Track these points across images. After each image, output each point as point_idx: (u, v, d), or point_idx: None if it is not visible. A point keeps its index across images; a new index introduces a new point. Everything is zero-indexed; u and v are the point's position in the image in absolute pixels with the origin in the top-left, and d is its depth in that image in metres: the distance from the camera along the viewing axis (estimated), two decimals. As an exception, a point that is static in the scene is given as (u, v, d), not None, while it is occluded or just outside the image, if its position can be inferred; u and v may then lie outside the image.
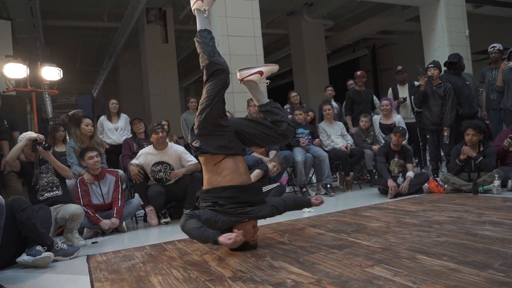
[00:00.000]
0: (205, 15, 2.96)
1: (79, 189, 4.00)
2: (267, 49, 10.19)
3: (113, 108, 5.62)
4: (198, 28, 2.96)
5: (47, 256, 2.90)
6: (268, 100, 3.00)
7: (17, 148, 3.67)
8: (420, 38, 9.04)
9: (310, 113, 6.03)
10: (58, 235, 3.81)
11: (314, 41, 12.42)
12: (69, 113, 6.64)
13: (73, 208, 3.55)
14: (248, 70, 3.03)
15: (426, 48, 8.65)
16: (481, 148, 4.70)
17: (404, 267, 2.16)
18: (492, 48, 5.99)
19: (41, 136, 3.73)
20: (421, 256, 2.33)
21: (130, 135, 5.26)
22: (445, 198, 4.45)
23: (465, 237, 2.69)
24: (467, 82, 5.85)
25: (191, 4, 3.02)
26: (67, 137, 5.08)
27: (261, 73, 3.01)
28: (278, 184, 4.81)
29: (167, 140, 4.66)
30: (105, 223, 3.90)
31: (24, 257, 2.90)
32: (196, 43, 2.89)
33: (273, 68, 3.06)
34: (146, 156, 4.42)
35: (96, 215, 3.92)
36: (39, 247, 2.93)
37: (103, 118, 5.70)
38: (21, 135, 3.86)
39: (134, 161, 4.42)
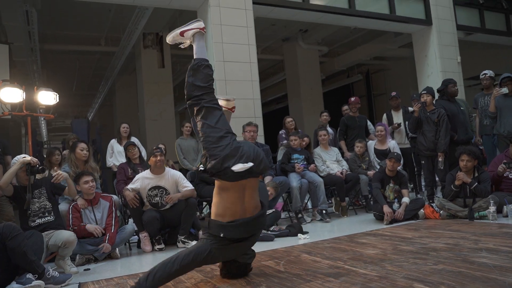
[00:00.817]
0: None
1: (71, 215, 3.95)
2: (263, 74, 10.33)
3: (123, 132, 5.93)
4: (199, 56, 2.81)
5: (38, 284, 2.84)
6: (203, 57, 2.79)
7: (10, 172, 3.63)
8: (413, 64, 9.19)
9: (306, 138, 6.06)
10: (50, 261, 3.74)
11: (309, 66, 12.58)
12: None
13: (66, 235, 3.50)
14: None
15: (419, 74, 8.79)
16: (476, 174, 4.72)
17: (402, 297, 2.13)
18: (484, 75, 6.08)
19: (35, 160, 3.69)
20: (418, 285, 2.30)
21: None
22: (441, 224, 4.43)
23: (462, 264, 2.67)
24: (461, 108, 5.90)
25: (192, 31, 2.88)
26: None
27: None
28: (274, 210, 4.78)
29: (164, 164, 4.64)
30: (90, 226, 3.93)
31: (13, 285, 2.84)
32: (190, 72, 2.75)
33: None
34: (143, 180, 4.39)
35: (82, 224, 3.93)
36: (29, 275, 2.86)
37: (113, 141, 6.02)
38: (14, 158, 3.82)
39: (130, 185, 4.39)
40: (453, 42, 8.68)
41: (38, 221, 3.66)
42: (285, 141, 6.16)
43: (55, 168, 4.78)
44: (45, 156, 5.44)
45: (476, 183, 4.60)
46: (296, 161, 5.57)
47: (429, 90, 5.73)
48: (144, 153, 5.67)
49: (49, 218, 3.72)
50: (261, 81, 6.96)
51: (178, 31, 2.89)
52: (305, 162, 5.63)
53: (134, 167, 4.92)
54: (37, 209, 3.70)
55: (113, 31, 10.13)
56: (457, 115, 5.72)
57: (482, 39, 10.01)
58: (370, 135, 6.74)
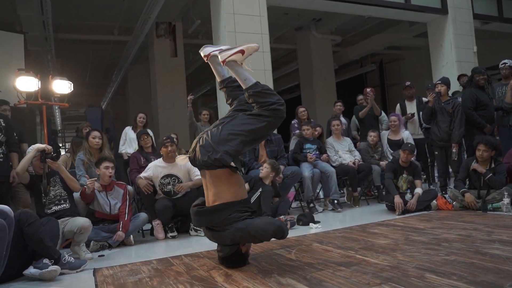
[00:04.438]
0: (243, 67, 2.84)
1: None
2: (275, 64, 10.26)
3: (139, 122, 5.92)
4: (250, 82, 2.75)
5: (54, 269, 2.90)
6: (255, 81, 2.76)
7: (26, 159, 3.69)
8: (428, 54, 9.05)
9: (318, 128, 6.04)
10: (65, 247, 3.81)
11: (322, 56, 12.47)
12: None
13: (81, 221, 3.56)
14: (229, 50, 2.84)
15: (433, 64, 8.66)
16: (492, 165, 4.66)
17: (413, 286, 2.14)
18: (503, 65, 5.95)
19: (49, 147, 3.74)
20: (430, 275, 2.30)
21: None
22: (453, 215, 4.41)
23: (475, 256, 2.65)
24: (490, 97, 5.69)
25: (226, 57, 2.82)
26: None
27: (242, 52, 2.81)
28: (282, 199, 4.78)
29: (176, 153, 4.67)
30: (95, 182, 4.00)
31: (31, 270, 2.91)
32: (262, 94, 2.71)
33: (253, 46, 2.84)
34: (155, 168, 4.44)
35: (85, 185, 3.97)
36: (46, 260, 2.93)
37: (128, 128, 6.01)
38: (30, 148, 3.89)
39: (143, 174, 4.44)
40: (469, 32, 8.52)
41: (54, 208, 3.72)
42: (297, 131, 6.15)
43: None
44: (60, 145, 5.51)
45: (491, 174, 4.55)
46: (308, 151, 5.57)
47: (444, 80, 5.66)
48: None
49: (64, 205, 3.78)
50: (273, 70, 6.92)
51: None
52: (317, 152, 5.62)
53: (147, 155, 4.97)
54: (53, 196, 3.76)
55: (126, 20, 10.15)
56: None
57: (500, 28, 9.79)
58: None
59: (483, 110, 5.52)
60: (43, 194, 3.71)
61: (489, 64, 9.45)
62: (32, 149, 3.73)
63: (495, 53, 10.00)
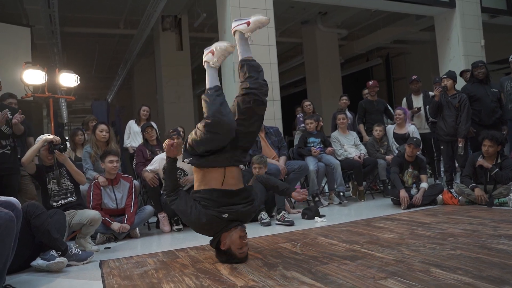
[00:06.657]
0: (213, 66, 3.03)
1: (92, 192, 4.02)
2: (281, 57, 10.23)
3: (143, 115, 5.94)
4: (247, 54, 2.95)
5: (61, 261, 2.93)
6: (251, 55, 2.95)
7: (33, 149, 3.68)
8: (434, 48, 8.99)
9: (320, 118, 6.02)
10: (71, 239, 3.84)
11: (327, 50, 12.42)
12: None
13: (92, 213, 3.58)
14: (239, 20, 3.02)
15: (440, 58, 8.60)
16: (499, 160, 4.64)
17: (418, 281, 2.14)
18: None
19: (57, 138, 3.71)
20: (435, 270, 2.30)
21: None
22: (459, 210, 4.40)
23: (481, 250, 2.65)
24: (493, 90, 5.59)
25: (233, 26, 3.03)
26: None
27: (248, 23, 2.97)
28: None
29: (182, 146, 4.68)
30: (116, 224, 3.94)
31: (38, 261, 2.94)
32: (203, 102, 2.89)
33: (261, 19, 2.97)
34: (161, 161, 4.44)
35: (107, 218, 3.93)
36: (53, 252, 2.96)
37: (131, 122, 6.02)
38: (38, 138, 3.89)
39: (149, 167, 4.46)
40: (477, 25, 8.43)
41: (61, 202, 3.71)
42: (302, 125, 6.14)
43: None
44: (66, 138, 5.52)
45: (497, 169, 4.53)
46: (312, 145, 5.56)
47: (451, 74, 5.62)
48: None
49: (71, 198, 3.78)
50: (279, 64, 6.90)
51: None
52: (321, 145, 5.61)
53: (152, 148, 4.98)
54: (58, 190, 3.75)
55: (132, 14, 10.15)
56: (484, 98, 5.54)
57: (508, 22, 9.70)
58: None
59: (476, 104, 5.46)
60: (56, 185, 3.71)
61: (497, 58, 9.39)
62: (40, 140, 3.73)
63: (504, 47, 9.92)
